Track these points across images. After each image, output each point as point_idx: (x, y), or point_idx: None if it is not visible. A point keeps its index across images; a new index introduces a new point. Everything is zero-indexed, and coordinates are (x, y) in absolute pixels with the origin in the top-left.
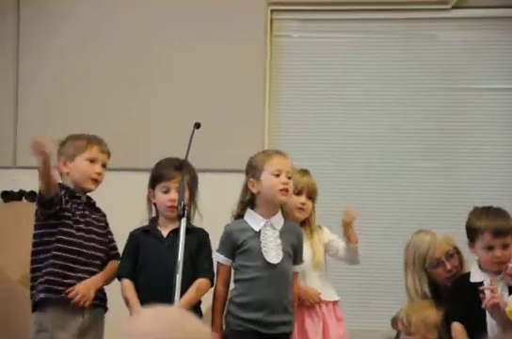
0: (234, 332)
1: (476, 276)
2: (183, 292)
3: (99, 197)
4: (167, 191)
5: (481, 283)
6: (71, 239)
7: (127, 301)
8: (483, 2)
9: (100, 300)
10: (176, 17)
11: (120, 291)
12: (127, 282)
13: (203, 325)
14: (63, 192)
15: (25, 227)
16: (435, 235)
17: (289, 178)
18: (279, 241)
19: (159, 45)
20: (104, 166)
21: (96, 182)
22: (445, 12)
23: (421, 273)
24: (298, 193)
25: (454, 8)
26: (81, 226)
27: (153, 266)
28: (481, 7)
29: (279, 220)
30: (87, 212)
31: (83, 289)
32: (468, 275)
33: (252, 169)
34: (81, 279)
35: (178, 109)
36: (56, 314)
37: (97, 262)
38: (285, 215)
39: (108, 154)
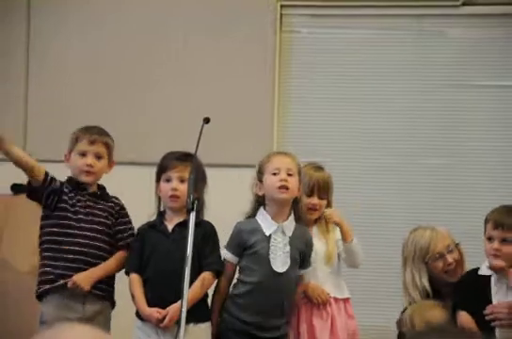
0: (229, 330)
1: (485, 270)
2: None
3: (110, 190)
4: (168, 180)
5: (489, 277)
6: (66, 231)
7: (133, 297)
8: None
9: (104, 292)
10: (186, 12)
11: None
12: (134, 278)
13: None
14: (62, 184)
15: (34, 219)
16: (435, 230)
17: (290, 175)
18: (287, 248)
19: (169, 41)
20: (98, 156)
21: (89, 173)
22: (455, 9)
23: (421, 266)
24: (310, 194)
25: (464, 4)
26: (81, 217)
27: (159, 261)
28: (491, 3)
29: (290, 225)
30: (89, 203)
31: (80, 279)
32: (477, 269)
33: (258, 173)
34: (79, 269)
35: (188, 104)
36: (56, 305)
37: (99, 252)
38: (301, 214)
39: (104, 143)
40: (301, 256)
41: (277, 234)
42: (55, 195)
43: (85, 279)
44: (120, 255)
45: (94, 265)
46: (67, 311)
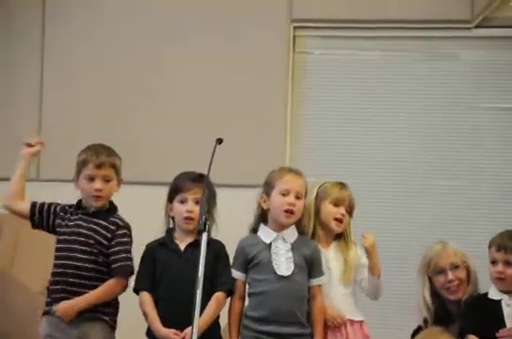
0: None
1: (494, 294)
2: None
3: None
4: (183, 202)
5: (499, 301)
6: (57, 246)
7: (146, 316)
8: (505, 21)
9: (91, 312)
10: (200, 33)
11: (137, 306)
12: (146, 296)
13: None
14: (57, 208)
15: (44, 240)
16: (446, 245)
17: (298, 198)
18: (290, 254)
19: (182, 60)
20: (107, 179)
21: (98, 198)
22: (468, 31)
23: (424, 278)
24: (337, 204)
25: (476, 27)
26: (66, 237)
27: (171, 281)
28: (503, 26)
29: (291, 234)
30: (79, 222)
31: (61, 310)
32: (486, 293)
33: (266, 185)
34: (61, 286)
35: (200, 124)
36: (49, 324)
37: (88, 274)
38: (322, 225)
39: (111, 165)
40: (308, 263)
41: (277, 241)
42: (48, 218)
43: (65, 311)
44: (110, 284)
45: (72, 284)
46: (57, 331)
